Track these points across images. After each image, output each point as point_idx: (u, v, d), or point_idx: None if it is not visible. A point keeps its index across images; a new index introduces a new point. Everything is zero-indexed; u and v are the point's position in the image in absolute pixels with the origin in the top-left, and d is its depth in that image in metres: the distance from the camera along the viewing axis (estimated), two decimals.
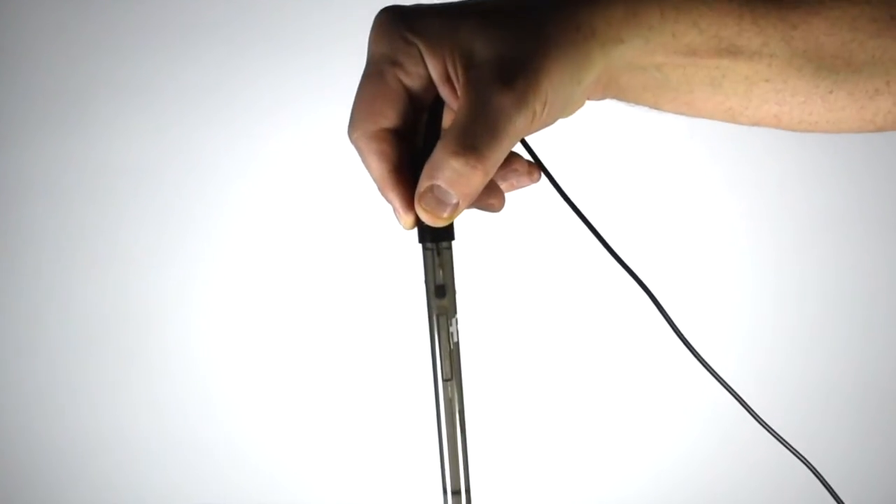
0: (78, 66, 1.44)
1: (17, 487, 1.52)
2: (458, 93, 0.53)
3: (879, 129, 0.59)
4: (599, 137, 1.43)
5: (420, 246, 0.57)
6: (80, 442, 1.50)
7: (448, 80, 0.54)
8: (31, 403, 1.50)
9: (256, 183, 1.47)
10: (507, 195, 0.61)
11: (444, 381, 0.57)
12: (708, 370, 0.64)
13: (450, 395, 0.57)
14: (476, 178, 0.52)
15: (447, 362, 0.57)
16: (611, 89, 0.56)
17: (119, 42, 1.44)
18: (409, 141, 0.55)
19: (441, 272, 0.57)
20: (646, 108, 0.58)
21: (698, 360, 0.64)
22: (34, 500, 1.52)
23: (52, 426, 1.50)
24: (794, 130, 0.59)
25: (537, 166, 0.61)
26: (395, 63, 0.54)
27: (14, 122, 1.45)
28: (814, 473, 0.66)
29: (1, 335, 1.49)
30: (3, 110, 1.45)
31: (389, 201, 0.55)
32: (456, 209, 0.53)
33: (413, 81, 0.54)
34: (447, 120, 0.56)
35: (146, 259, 1.47)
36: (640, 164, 1.47)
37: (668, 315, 0.63)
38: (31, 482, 1.52)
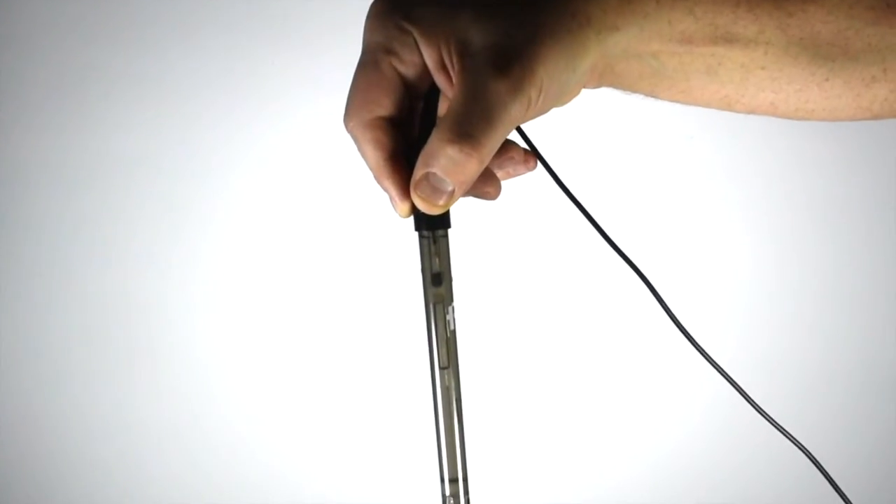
0: (75, 57, 1.44)
1: (23, 482, 1.52)
2: (454, 80, 0.53)
3: (876, 117, 0.59)
4: (595, 125, 1.43)
5: (416, 234, 0.57)
6: (82, 433, 1.51)
7: (443, 68, 0.54)
8: (33, 396, 1.50)
9: (255, 173, 1.47)
10: (504, 183, 0.61)
11: (441, 368, 0.57)
12: (705, 358, 0.64)
13: (447, 382, 0.57)
14: (471, 166, 0.52)
15: (444, 350, 0.57)
16: (606, 77, 0.56)
17: (117, 33, 1.44)
18: (404, 129, 0.55)
19: (437, 260, 0.57)
20: (642, 96, 0.59)
21: (696, 347, 0.64)
22: (38, 494, 1.52)
23: (53, 418, 1.51)
24: (790, 118, 0.59)
25: (533, 154, 0.61)
26: (391, 51, 0.54)
27: (11, 115, 1.45)
28: (812, 461, 0.66)
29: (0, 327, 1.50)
30: (1, 102, 1.45)
31: (385, 189, 0.55)
32: (451, 197, 0.53)
33: (408, 70, 0.54)
34: (443, 108, 0.56)
35: (146, 250, 1.47)
36: (637, 151, 1.47)
37: (665, 303, 0.63)
38: (35, 476, 1.52)
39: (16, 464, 1.51)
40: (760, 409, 0.65)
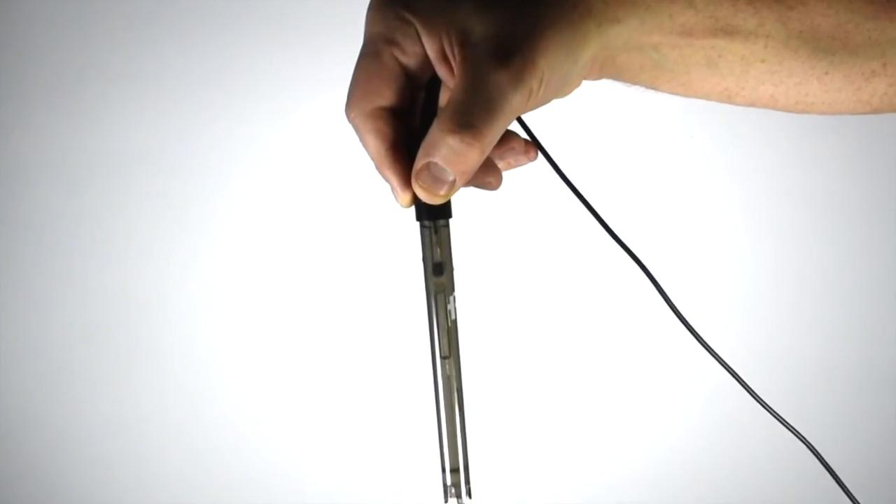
0: (74, 55, 1.44)
1: (24, 479, 1.52)
2: (455, 71, 0.53)
3: (875, 111, 0.59)
4: (596, 116, 1.43)
5: (417, 224, 0.57)
6: (83, 431, 1.51)
7: (445, 58, 0.54)
8: (34, 394, 1.50)
9: (254, 170, 1.47)
10: (505, 173, 0.62)
11: (443, 358, 0.57)
12: (707, 350, 0.64)
13: (448, 372, 0.57)
14: (472, 156, 0.52)
15: (445, 340, 0.57)
16: (607, 69, 0.57)
17: (115, 31, 1.44)
18: (406, 119, 0.55)
19: (438, 250, 0.57)
20: (643, 89, 0.59)
21: (698, 339, 0.64)
22: (39, 491, 1.52)
23: (53, 416, 1.51)
24: (790, 111, 0.59)
25: (534, 145, 0.61)
26: (392, 42, 0.54)
27: (11, 114, 1.45)
28: (813, 453, 0.66)
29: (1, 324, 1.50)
30: (1, 101, 1.45)
31: (387, 179, 0.55)
32: (453, 187, 0.54)
33: (410, 60, 0.54)
34: (444, 99, 0.56)
35: (146, 248, 1.47)
36: (638, 143, 1.47)
37: (666, 295, 0.63)
38: (36, 474, 1.52)
39: (16, 462, 1.51)
40: (762, 400, 0.65)
